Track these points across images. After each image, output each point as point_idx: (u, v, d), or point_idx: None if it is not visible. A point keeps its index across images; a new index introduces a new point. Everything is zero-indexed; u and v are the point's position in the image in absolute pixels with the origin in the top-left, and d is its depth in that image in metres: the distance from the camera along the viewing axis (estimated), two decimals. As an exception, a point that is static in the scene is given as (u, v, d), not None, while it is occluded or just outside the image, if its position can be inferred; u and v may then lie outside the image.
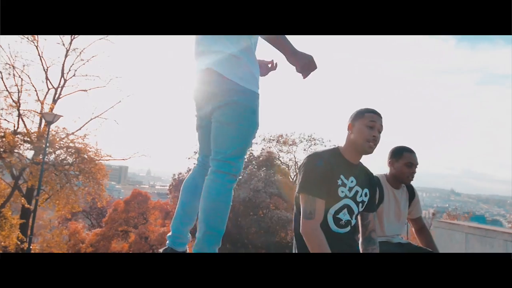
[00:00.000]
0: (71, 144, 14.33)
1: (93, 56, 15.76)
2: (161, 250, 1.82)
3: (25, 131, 13.89)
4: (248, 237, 18.70)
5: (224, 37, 1.68)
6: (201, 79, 1.75)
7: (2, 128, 13.02)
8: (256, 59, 1.77)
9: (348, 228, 1.89)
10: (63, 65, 15.43)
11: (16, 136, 13.39)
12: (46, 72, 15.17)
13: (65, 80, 15.55)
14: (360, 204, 1.89)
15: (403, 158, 2.40)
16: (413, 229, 2.66)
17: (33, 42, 14.35)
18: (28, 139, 13.64)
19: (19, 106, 13.85)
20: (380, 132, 1.85)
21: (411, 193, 2.55)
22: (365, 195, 1.92)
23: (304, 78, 1.75)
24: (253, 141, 1.76)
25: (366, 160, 2.00)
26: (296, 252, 1.88)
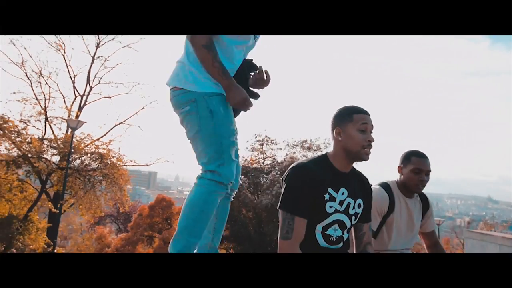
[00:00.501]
0: (95, 150, 14.60)
1: (117, 64, 16.12)
2: None
3: (52, 137, 14.30)
4: (272, 245, 18.36)
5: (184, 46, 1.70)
6: None
7: (29, 134, 13.44)
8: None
9: (341, 244, 1.67)
10: (89, 73, 15.82)
11: (43, 142, 13.80)
12: (73, 80, 15.63)
13: (91, 88, 15.94)
14: (353, 217, 1.71)
15: (410, 163, 2.14)
16: (424, 245, 2.34)
17: (60, 51, 14.81)
18: (55, 145, 14.01)
19: (46, 113, 14.30)
20: (372, 133, 1.65)
21: (425, 204, 2.29)
22: (358, 206, 1.72)
23: (235, 115, 1.74)
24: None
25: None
26: None
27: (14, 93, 13.75)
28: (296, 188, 1.59)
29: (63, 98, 15.16)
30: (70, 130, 13.60)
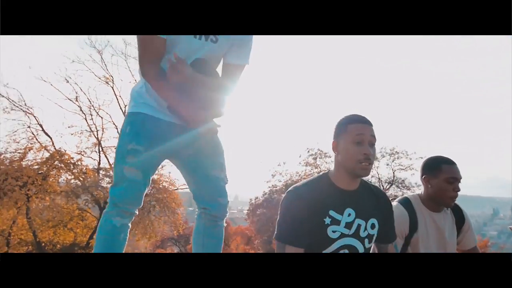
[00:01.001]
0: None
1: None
2: None
3: (108, 167, 14.94)
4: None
5: None
6: None
7: (84, 165, 14.14)
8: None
9: None
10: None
11: (98, 172, 14.44)
12: (123, 111, 16.34)
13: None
14: (367, 240, 1.56)
15: (442, 172, 1.92)
16: None
17: (109, 83, 15.61)
18: (110, 173, 14.60)
19: (100, 143, 15.01)
20: (373, 145, 1.49)
21: (460, 217, 2.05)
22: (372, 227, 1.56)
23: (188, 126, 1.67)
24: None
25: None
26: None
27: (69, 127, 14.60)
28: (289, 215, 1.50)
29: (116, 128, 15.87)
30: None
